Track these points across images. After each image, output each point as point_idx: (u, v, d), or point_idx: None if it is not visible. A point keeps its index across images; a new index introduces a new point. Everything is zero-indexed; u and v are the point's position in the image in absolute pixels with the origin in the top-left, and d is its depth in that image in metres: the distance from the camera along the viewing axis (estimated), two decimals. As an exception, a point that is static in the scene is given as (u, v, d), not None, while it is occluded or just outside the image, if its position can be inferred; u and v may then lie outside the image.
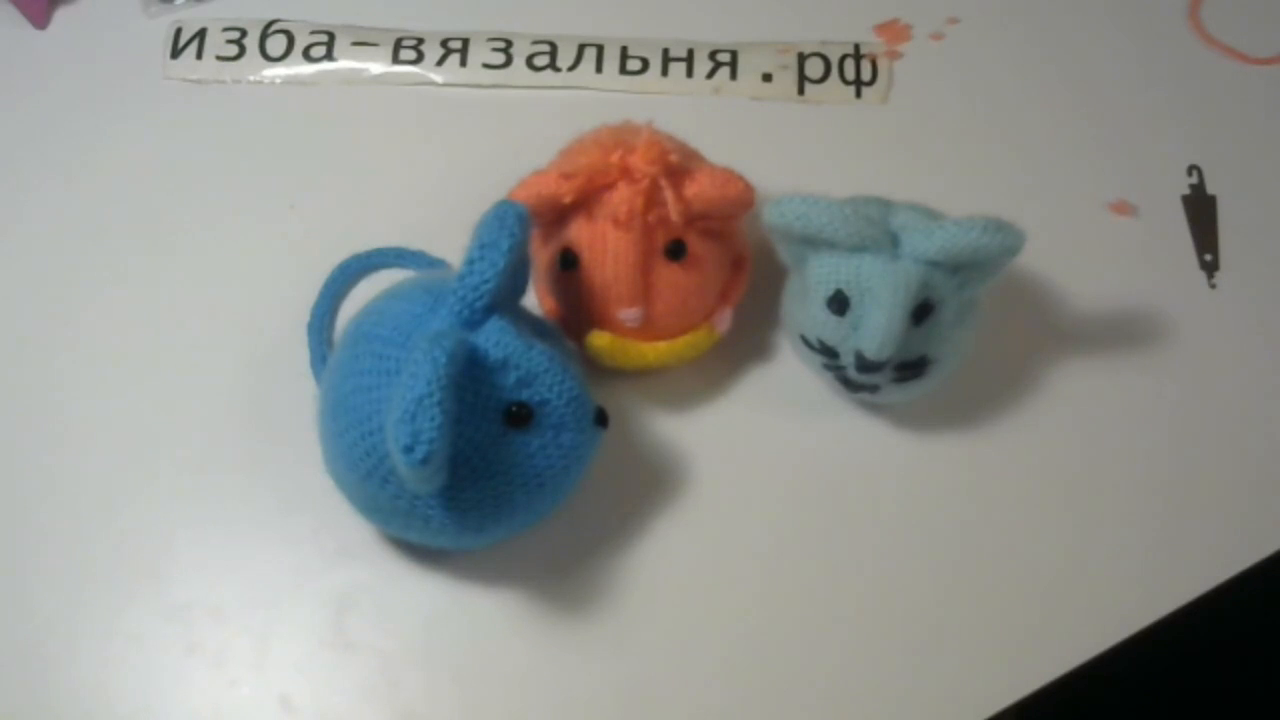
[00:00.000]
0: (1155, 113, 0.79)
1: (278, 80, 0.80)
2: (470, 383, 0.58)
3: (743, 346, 0.70)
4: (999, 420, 0.68)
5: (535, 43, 0.81)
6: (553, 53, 0.80)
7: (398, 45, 0.81)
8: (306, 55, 0.81)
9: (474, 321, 0.59)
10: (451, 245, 0.62)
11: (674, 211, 0.64)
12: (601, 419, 0.62)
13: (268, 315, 0.71)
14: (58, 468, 0.68)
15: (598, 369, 0.66)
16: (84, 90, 0.80)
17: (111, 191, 0.76)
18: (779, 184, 0.67)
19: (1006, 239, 0.61)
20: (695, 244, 0.66)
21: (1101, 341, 0.71)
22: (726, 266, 0.68)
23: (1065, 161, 0.77)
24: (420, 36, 0.81)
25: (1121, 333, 0.71)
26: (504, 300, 0.60)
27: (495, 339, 0.59)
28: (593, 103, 0.79)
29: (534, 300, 0.68)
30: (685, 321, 0.67)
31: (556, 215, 0.66)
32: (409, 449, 0.54)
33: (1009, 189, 0.76)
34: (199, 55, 0.81)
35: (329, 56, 0.81)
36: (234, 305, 0.72)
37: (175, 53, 0.81)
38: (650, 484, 0.67)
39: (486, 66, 0.80)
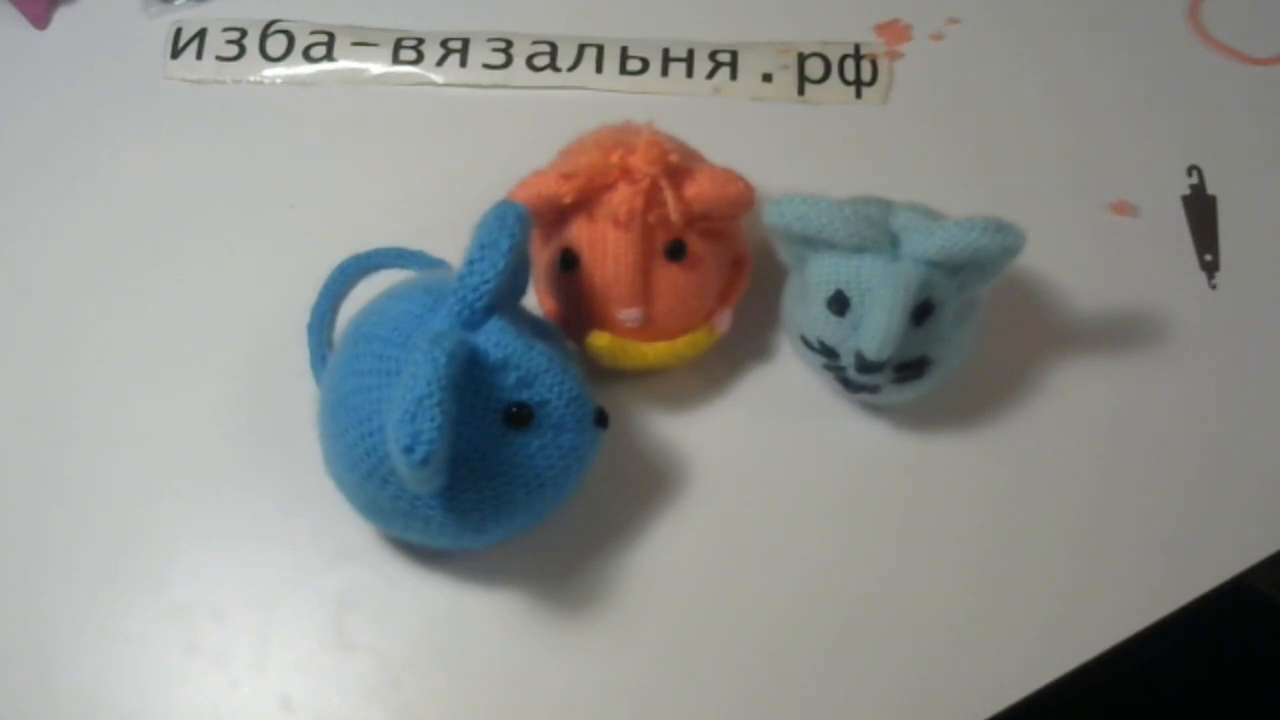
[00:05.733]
0: (1155, 113, 0.79)
1: (278, 80, 0.80)
2: (470, 383, 0.58)
3: (743, 347, 0.70)
4: (999, 421, 0.68)
5: (535, 43, 0.81)
6: (553, 53, 0.80)
7: (398, 45, 0.81)
8: (306, 55, 0.81)
9: (474, 322, 0.59)
10: (451, 245, 0.62)
11: (674, 212, 0.64)
12: (601, 419, 0.62)
13: (268, 315, 0.71)
14: (58, 468, 0.68)
15: (598, 369, 0.66)
16: (84, 91, 0.80)
17: (111, 192, 0.76)
18: (779, 184, 0.67)
19: (1007, 239, 0.61)
20: (695, 244, 0.66)
21: (1101, 341, 0.71)
22: (726, 267, 0.68)
23: (1065, 161, 0.77)
24: (420, 36, 0.81)
25: (1121, 333, 0.71)
26: (504, 300, 0.60)
27: (495, 339, 0.59)
28: (593, 103, 0.79)
29: (534, 300, 0.68)
30: (685, 322, 0.67)
31: (557, 215, 0.66)
32: (409, 449, 0.54)
33: (1009, 189, 0.76)
34: (199, 55, 0.81)
35: (329, 56, 0.81)
36: (234, 305, 0.72)
37: (175, 53, 0.81)
38: (650, 484, 0.67)
39: (486, 66, 0.80)
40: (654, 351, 0.67)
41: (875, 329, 0.61)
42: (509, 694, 0.62)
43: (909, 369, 0.63)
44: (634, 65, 0.80)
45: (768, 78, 0.80)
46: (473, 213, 0.60)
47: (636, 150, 0.64)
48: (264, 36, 0.81)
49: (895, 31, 0.82)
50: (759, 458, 0.68)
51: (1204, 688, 0.99)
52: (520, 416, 0.59)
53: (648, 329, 0.66)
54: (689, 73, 0.80)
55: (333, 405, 0.61)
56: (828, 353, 0.64)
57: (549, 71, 0.80)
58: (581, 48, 0.81)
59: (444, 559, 0.64)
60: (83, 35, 0.82)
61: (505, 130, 0.78)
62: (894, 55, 0.81)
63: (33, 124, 0.79)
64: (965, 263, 0.61)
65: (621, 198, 0.64)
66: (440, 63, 0.80)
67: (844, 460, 0.68)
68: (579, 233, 0.66)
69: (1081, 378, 0.70)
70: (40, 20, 0.82)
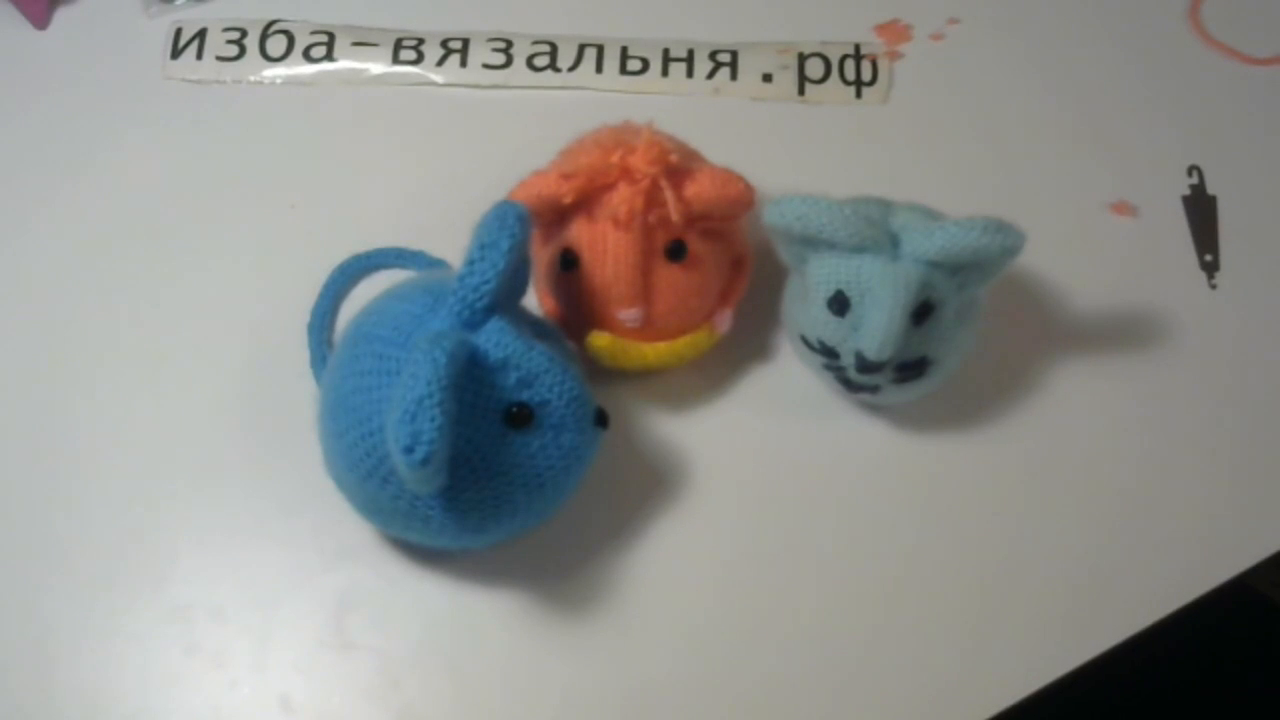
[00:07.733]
0: (1155, 113, 0.79)
1: (278, 80, 0.80)
2: (470, 383, 0.58)
3: (743, 347, 0.70)
4: (999, 421, 0.68)
5: (535, 43, 0.81)
6: (553, 53, 0.80)
7: (398, 45, 0.81)
8: (306, 55, 0.81)
9: (474, 322, 0.59)
10: (451, 245, 0.62)
11: (674, 212, 0.64)
12: (602, 419, 0.62)
13: (268, 315, 0.71)
14: (58, 468, 0.68)
15: (598, 369, 0.66)
16: (84, 91, 0.80)
17: (111, 192, 0.76)
18: (779, 184, 0.67)
19: (1007, 239, 0.61)
20: (695, 244, 0.66)
21: (1101, 341, 0.71)
22: (726, 267, 0.68)
23: (1065, 161, 0.77)
24: (420, 36, 0.81)
25: (1121, 333, 0.71)
26: (504, 300, 0.60)
27: (495, 339, 0.59)
28: (593, 103, 0.79)
29: (534, 300, 0.68)
30: (685, 322, 0.67)
31: (557, 215, 0.66)
32: (409, 449, 0.54)
33: (1009, 189, 0.76)
34: (199, 55, 0.81)
35: (329, 57, 0.81)
36: (234, 305, 0.72)
37: (175, 53, 0.81)
38: (650, 484, 0.67)
39: (486, 66, 0.80)
40: (654, 351, 0.67)
41: (875, 329, 0.61)
42: (509, 694, 0.62)
43: (909, 369, 0.63)
44: (634, 65, 0.80)
45: (768, 78, 0.80)
46: (473, 213, 0.60)
47: (636, 150, 0.64)
48: (264, 36, 0.81)
49: (895, 31, 0.82)
50: (759, 458, 0.68)
51: (1204, 688, 0.99)
52: (520, 416, 0.59)
53: (648, 329, 0.66)
54: (689, 73, 0.80)
55: (333, 405, 0.61)
56: (828, 353, 0.64)
57: (549, 71, 0.80)
58: (581, 48, 0.81)
59: (444, 559, 0.64)
60: (83, 35, 0.82)
61: (505, 130, 0.78)
62: (894, 55, 0.81)
63: (33, 124, 0.79)
64: (965, 263, 0.61)
65: (621, 198, 0.64)
66: (440, 63, 0.80)
67: (844, 460, 0.68)
68: (579, 233, 0.66)
69: (1081, 378, 0.70)
70: (40, 20, 0.82)
